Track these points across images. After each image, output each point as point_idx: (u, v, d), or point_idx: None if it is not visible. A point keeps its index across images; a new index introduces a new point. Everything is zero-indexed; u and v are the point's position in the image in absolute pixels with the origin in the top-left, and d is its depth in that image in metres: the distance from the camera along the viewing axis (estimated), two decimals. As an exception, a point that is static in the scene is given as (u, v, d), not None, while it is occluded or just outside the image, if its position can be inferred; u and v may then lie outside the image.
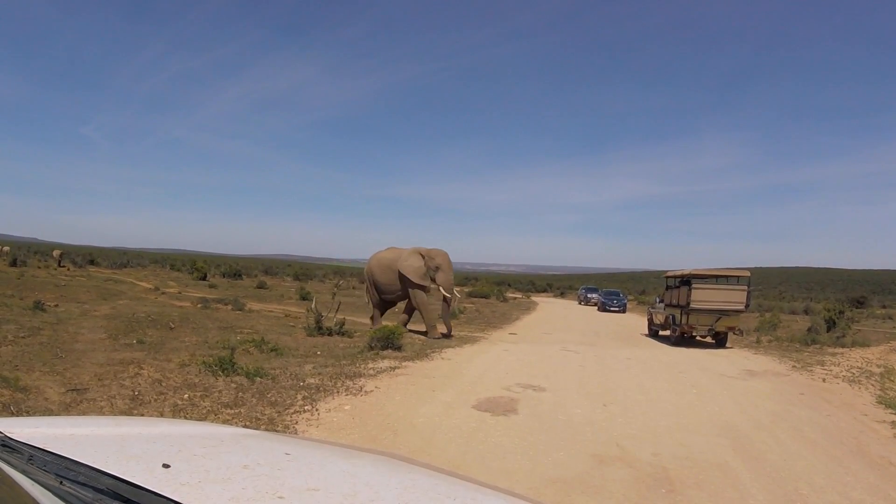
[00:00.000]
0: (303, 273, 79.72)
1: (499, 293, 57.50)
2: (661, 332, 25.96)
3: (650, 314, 28.02)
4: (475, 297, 52.06)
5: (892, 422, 11.02)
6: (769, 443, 9.00)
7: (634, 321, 35.93)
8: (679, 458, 7.82)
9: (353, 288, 56.43)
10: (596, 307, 51.51)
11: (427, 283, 21.55)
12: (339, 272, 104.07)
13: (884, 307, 70.95)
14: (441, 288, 21.37)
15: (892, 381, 15.55)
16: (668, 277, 26.38)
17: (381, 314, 23.42)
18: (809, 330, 26.61)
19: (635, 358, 17.87)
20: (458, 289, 71.13)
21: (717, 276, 24.12)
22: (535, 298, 70.24)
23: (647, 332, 27.99)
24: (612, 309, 47.18)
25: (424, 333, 20.96)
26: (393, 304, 23.78)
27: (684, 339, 22.86)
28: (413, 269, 21.39)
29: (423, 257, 21.63)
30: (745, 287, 22.66)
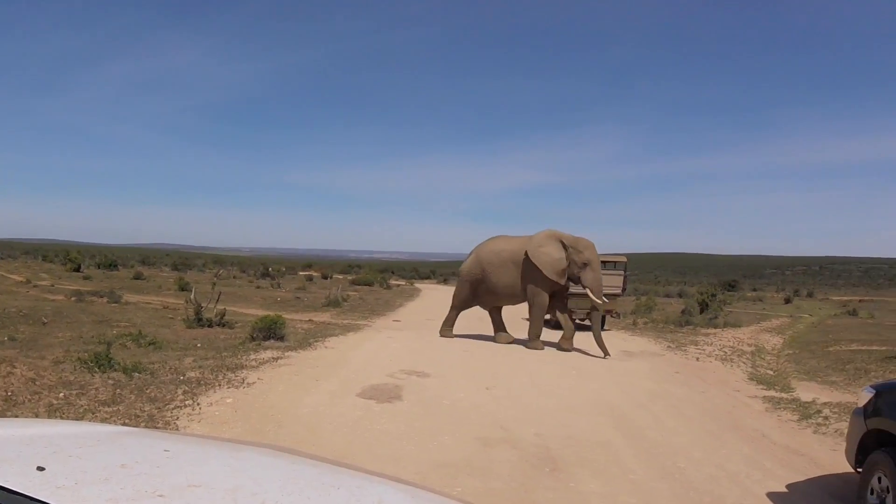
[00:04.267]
0: (182, 263, 77.65)
1: (382, 280, 57.63)
2: (542, 317, 26.49)
3: (531, 299, 28.56)
4: (359, 284, 51.91)
5: (764, 397, 11.70)
6: (648, 420, 9.39)
7: (517, 306, 36.46)
8: (562, 437, 8.08)
9: (234, 277, 55.42)
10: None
11: (564, 281, 16.87)
12: (219, 261, 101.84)
13: (754, 290, 74.96)
14: (590, 291, 16.71)
15: (763, 358, 16.41)
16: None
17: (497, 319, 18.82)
18: (683, 312, 27.71)
19: (517, 342, 18.18)
20: (341, 276, 69.88)
21: (594, 262, 24.77)
22: (418, 285, 70.43)
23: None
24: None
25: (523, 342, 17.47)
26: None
27: (565, 323, 23.37)
28: (551, 260, 16.53)
29: (567, 247, 16.75)
30: (622, 272, 23.50)
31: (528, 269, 16.80)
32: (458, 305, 18.72)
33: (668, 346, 18.90)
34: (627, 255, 25.38)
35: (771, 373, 14.70)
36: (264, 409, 8.69)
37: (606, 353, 15.92)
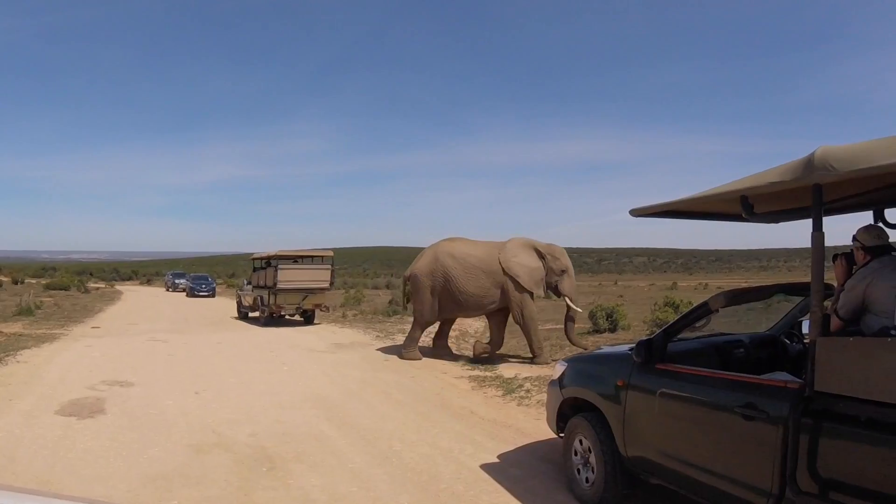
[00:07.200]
0: None
1: (80, 284, 54.60)
2: (251, 314, 26.42)
3: (239, 297, 28.43)
4: (53, 289, 48.58)
5: (470, 376, 12.52)
6: (361, 408, 9.69)
7: (224, 305, 35.92)
8: (277, 435, 8.11)
9: None
10: (185, 293, 50.74)
11: (542, 290, 15.18)
12: None
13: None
14: (568, 300, 15.23)
15: (466, 341, 17.42)
16: (254, 259, 27.12)
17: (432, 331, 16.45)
18: (391, 303, 28.77)
19: (226, 342, 17.99)
20: (34, 281, 65.09)
21: (301, 257, 25.11)
22: (119, 287, 67.10)
23: (237, 314, 28.26)
24: (201, 294, 46.97)
25: (531, 360, 14.62)
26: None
27: (274, 319, 23.45)
28: (529, 270, 14.75)
29: (543, 255, 15.10)
30: (329, 266, 24.00)
31: (501, 279, 14.79)
32: (428, 319, 15.56)
33: (378, 336, 19.58)
34: (334, 250, 25.90)
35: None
36: (-49, 439, 7.92)
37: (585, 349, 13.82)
